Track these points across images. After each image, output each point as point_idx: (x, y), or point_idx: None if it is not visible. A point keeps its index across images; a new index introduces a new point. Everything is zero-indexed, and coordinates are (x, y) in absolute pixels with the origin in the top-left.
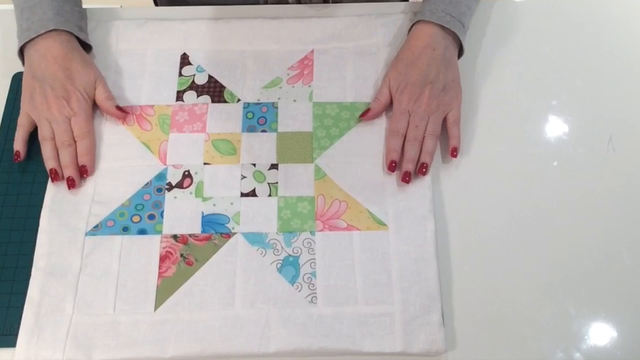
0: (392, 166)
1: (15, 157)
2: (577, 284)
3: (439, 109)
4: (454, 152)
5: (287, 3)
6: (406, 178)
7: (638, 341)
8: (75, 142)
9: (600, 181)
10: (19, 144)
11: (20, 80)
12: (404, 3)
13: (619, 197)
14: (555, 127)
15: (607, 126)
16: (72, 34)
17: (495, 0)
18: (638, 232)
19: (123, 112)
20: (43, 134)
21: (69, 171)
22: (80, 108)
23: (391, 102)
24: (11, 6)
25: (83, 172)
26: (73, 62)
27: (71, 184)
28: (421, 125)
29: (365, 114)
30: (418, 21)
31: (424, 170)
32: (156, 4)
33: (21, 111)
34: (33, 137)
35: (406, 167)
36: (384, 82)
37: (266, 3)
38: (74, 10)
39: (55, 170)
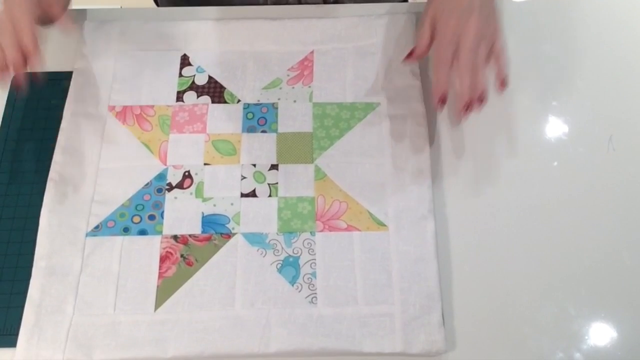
0: (443, 99)
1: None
2: (577, 284)
3: (487, 37)
4: (503, 84)
5: (287, 3)
6: (467, 108)
7: (638, 341)
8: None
9: (600, 181)
10: None
11: None
12: (404, 3)
13: (619, 197)
14: (555, 127)
15: (607, 126)
16: None
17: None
18: (638, 232)
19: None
20: None
21: (10, 53)
22: (23, 12)
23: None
24: None
25: (26, 54)
26: None
27: (18, 68)
28: (474, 50)
29: (410, 55)
30: None
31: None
32: (157, 5)
33: None
34: (34, 141)
35: (465, 97)
36: (424, 17)
37: (265, 3)
38: None
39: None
